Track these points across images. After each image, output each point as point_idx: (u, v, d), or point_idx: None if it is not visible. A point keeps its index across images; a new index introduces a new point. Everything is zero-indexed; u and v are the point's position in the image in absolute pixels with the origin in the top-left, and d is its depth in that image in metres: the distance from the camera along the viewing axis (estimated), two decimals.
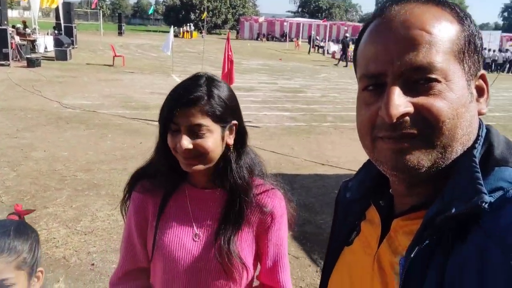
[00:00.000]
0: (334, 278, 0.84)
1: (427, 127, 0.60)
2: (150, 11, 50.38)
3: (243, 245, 1.20)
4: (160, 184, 1.24)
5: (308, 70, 21.45)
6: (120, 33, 38.94)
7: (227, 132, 1.18)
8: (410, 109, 0.60)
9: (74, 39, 21.37)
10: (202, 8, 56.52)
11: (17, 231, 1.17)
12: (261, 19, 48.68)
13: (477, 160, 0.60)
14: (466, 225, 0.56)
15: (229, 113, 1.17)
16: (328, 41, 35.09)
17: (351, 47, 32.18)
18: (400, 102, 0.60)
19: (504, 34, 40.40)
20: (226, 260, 1.15)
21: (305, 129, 8.73)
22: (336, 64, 23.72)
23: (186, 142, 1.11)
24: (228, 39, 8.21)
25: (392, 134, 0.62)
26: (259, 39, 46.03)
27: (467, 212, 0.55)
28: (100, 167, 5.73)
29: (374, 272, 0.71)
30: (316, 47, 35.31)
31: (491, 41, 28.52)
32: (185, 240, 1.19)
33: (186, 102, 1.10)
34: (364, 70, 0.66)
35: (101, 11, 37.37)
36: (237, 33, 45.11)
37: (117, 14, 52.21)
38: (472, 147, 0.63)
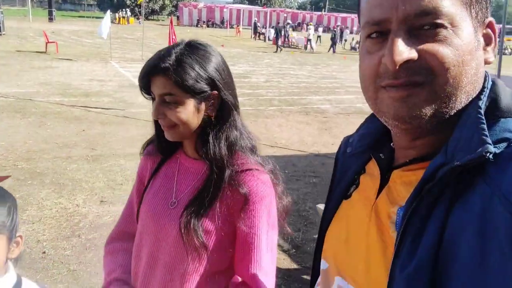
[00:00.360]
0: (331, 231, 0.83)
1: (431, 74, 0.59)
2: None
3: (210, 224, 1.11)
4: (159, 150, 1.26)
5: (251, 56, 21.52)
6: (51, 19, 36.75)
7: (204, 104, 1.12)
8: (414, 55, 0.58)
9: (1, 25, 19.89)
10: None
11: None
12: (200, 5, 47.91)
13: (482, 111, 0.59)
14: (470, 178, 0.54)
15: (205, 84, 1.11)
16: (269, 27, 35.30)
17: (292, 33, 32.71)
18: (404, 48, 0.58)
19: None
20: (187, 234, 1.09)
21: (252, 113, 8.81)
22: (275, 51, 23.99)
23: (156, 112, 1.11)
24: (171, 23, 8.06)
25: (395, 82, 0.60)
26: (199, 25, 45.29)
27: (471, 163, 0.54)
28: (42, 156, 5.47)
29: (371, 221, 0.70)
30: (258, 34, 35.42)
31: None
32: (161, 206, 1.18)
33: (154, 70, 1.09)
34: (368, 17, 0.64)
35: None
36: (178, 19, 44.06)
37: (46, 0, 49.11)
38: (477, 98, 0.61)
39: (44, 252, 3.34)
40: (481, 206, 0.51)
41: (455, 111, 0.61)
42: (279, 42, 25.37)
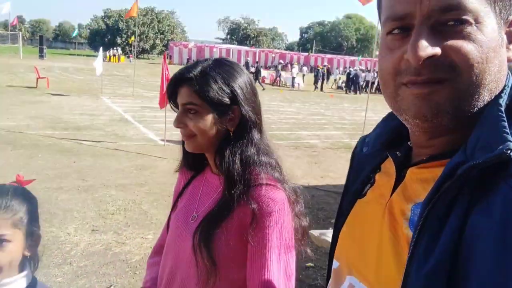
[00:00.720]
0: (345, 230, 0.82)
1: (454, 71, 0.57)
2: (74, 34, 48.66)
3: (220, 240, 1.09)
4: (186, 166, 1.32)
5: None
6: (41, 56, 37.10)
7: (224, 118, 1.14)
8: (438, 51, 0.57)
9: None
10: (129, 33, 55.73)
11: (16, 193, 1.20)
12: (191, 45, 48.96)
13: (503, 109, 0.57)
14: (491, 177, 0.52)
15: (227, 97, 1.13)
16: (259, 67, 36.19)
17: (283, 73, 33.46)
18: (428, 44, 0.57)
19: None
20: (198, 249, 1.09)
21: None
22: (263, 89, 24.43)
23: (177, 121, 1.14)
24: (164, 58, 8.25)
25: (418, 78, 0.59)
26: (188, 64, 46.13)
27: (491, 161, 0.52)
28: (33, 186, 5.42)
29: (384, 219, 0.69)
30: (251, 73, 36.13)
31: None
32: (184, 220, 1.21)
33: (180, 80, 1.14)
34: (390, 12, 0.63)
35: (20, 33, 35.41)
36: (170, 58, 44.90)
37: (37, 37, 49.76)
38: (498, 95, 0.60)
39: None
40: (502, 210, 0.49)
41: (477, 109, 0.59)
42: (258, 81, 25.99)
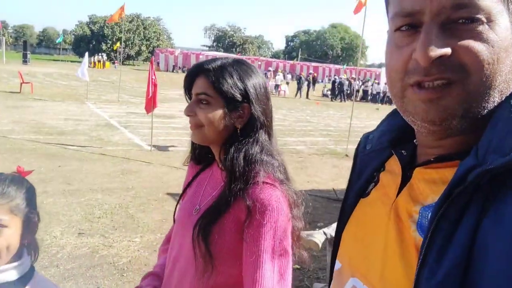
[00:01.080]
0: (347, 230, 0.80)
1: (464, 72, 0.55)
2: (59, 40, 48.09)
3: (218, 234, 1.11)
4: (193, 159, 1.35)
5: None
6: (25, 61, 36.63)
7: (233, 114, 1.16)
8: (448, 51, 0.55)
9: None
10: (114, 39, 55.45)
11: (13, 180, 1.22)
12: (177, 52, 48.94)
13: None
14: (504, 182, 0.50)
15: (239, 94, 1.15)
16: None
17: (275, 80, 33.69)
18: (438, 43, 0.55)
19: None
20: (196, 241, 1.11)
21: None
22: None
23: (188, 109, 1.17)
24: (151, 63, 8.26)
25: (426, 79, 0.57)
26: (174, 71, 46.12)
27: (504, 166, 0.50)
28: None
29: (390, 220, 0.66)
30: None
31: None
32: (188, 212, 1.23)
33: (198, 71, 1.18)
34: (398, 7, 0.60)
35: (3, 38, 34.93)
36: (157, 64, 44.73)
37: (21, 43, 49.11)
38: (510, 96, 0.58)
39: None
40: None
41: (487, 110, 0.57)
42: None
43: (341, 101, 27.88)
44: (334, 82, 29.42)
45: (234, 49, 75.26)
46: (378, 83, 30.84)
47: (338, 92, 28.58)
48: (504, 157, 0.50)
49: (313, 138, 11.97)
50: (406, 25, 0.60)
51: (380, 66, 77.50)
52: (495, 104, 0.58)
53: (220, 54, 51.07)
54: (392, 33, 0.63)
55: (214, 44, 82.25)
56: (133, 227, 4.57)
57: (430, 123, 0.59)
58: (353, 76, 36.24)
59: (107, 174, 6.49)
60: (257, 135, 1.18)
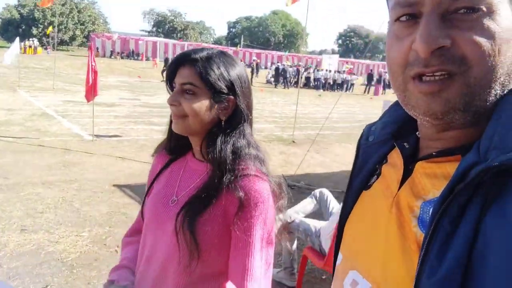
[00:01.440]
0: (349, 223, 0.79)
1: (464, 64, 0.55)
2: None
3: (204, 225, 1.11)
4: (167, 150, 1.30)
5: None
6: None
7: (218, 105, 1.16)
8: (448, 42, 0.54)
9: None
10: (46, 23, 52.15)
11: None
12: (114, 37, 46.95)
13: None
14: (505, 178, 0.50)
15: (225, 86, 1.15)
16: None
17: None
18: (438, 34, 0.54)
19: (341, 58, 46.39)
20: (181, 232, 1.10)
21: None
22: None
23: (172, 98, 1.14)
24: (91, 50, 7.88)
25: (426, 70, 0.56)
26: (112, 56, 44.30)
27: (506, 164, 0.49)
28: None
29: (391, 214, 0.66)
30: None
31: (331, 63, 32.35)
32: (162, 203, 1.21)
33: (184, 60, 1.15)
34: None
35: None
36: (97, 50, 42.53)
37: None
38: None
39: None
40: None
41: (488, 103, 0.57)
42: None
43: (284, 87, 28.23)
44: (277, 68, 29.68)
45: (175, 35, 73.48)
46: (320, 70, 31.59)
47: (282, 79, 28.89)
48: (506, 154, 0.50)
49: (260, 125, 12.05)
50: (406, 15, 0.59)
51: (320, 53, 79.33)
52: (497, 97, 0.57)
53: (161, 39, 49.82)
54: (392, 24, 0.63)
55: (154, 29, 79.81)
56: (80, 221, 4.38)
57: (432, 116, 0.59)
58: (300, 63, 36.80)
59: (47, 166, 6.15)
60: (242, 128, 1.19)
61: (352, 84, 32.00)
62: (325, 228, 3.20)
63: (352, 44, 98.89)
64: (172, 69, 1.17)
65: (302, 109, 13.35)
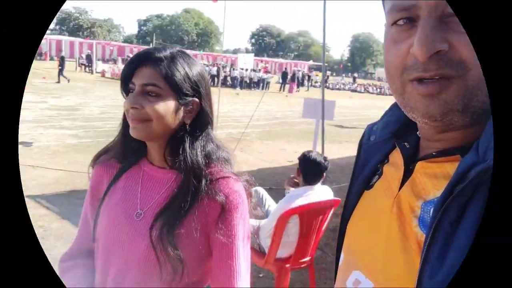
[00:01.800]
0: (352, 222, 0.79)
1: (463, 68, 0.55)
2: None
3: (185, 235, 1.05)
4: (118, 158, 1.16)
5: (79, 88, 20.22)
6: None
7: (184, 108, 1.08)
8: (445, 45, 0.54)
9: None
10: None
11: None
12: None
13: None
14: None
15: (190, 87, 1.08)
16: (96, 60, 33.88)
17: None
18: (435, 38, 0.54)
19: (256, 57, 47.16)
20: (160, 247, 1.03)
21: (91, 145, 8.28)
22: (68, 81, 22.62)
23: (132, 100, 1.03)
24: None
25: (425, 75, 0.56)
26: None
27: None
28: None
29: (393, 214, 0.66)
30: (83, 66, 33.49)
31: (246, 62, 32.70)
32: (125, 218, 1.09)
33: (145, 59, 1.05)
34: (395, 1, 0.60)
35: None
36: None
37: None
38: None
39: None
40: None
41: (486, 105, 0.56)
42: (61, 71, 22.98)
43: None
44: None
45: (81, 33, 69.46)
46: (235, 69, 31.85)
47: None
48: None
49: None
50: (403, 19, 0.59)
51: (235, 52, 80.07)
52: None
53: (66, 38, 46.79)
54: (389, 28, 0.62)
55: (57, 27, 74.80)
56: None
57: (431, 118, 0.59)
58: (222, 62, 36.71)
59: None
60: (207, 131, 1.15)
61: (268, 83, 32.71)
62: (263, 227, 3.19)
63: (265, 43, 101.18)
64: (130, 69, 1.06)
65: (221, 108, 13.31)
